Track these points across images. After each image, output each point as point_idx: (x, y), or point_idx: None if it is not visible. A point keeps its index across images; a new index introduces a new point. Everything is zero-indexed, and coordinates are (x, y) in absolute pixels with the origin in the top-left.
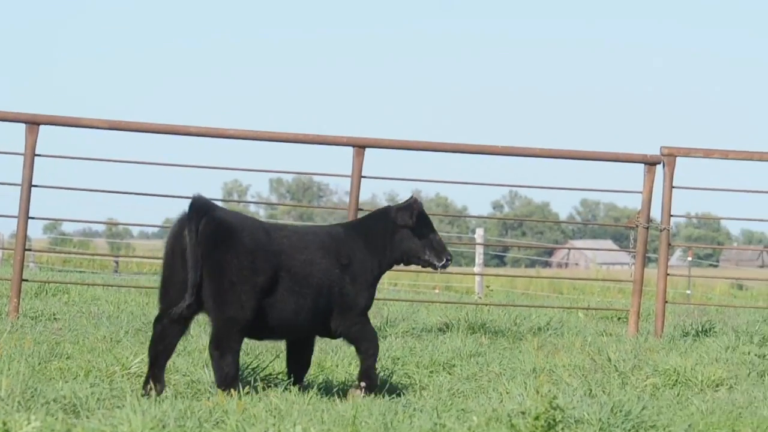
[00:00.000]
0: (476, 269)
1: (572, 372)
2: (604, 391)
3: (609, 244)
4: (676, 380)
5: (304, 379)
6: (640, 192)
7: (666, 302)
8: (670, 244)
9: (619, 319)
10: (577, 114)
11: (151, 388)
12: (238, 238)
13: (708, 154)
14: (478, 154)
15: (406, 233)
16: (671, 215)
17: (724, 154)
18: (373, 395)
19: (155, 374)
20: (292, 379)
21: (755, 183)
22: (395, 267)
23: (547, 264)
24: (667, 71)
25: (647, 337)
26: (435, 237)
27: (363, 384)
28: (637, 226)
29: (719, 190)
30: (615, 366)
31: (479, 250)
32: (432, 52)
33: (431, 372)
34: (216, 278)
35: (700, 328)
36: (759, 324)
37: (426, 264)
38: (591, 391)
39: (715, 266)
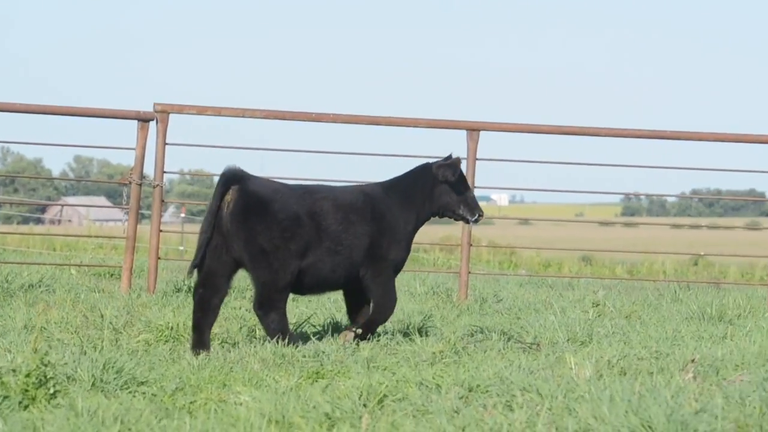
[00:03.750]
0: None
1: (65, 329)
2: (96, 348)
3: (103, 200)
4: (169, 336)
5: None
6: (134, 149)
7: (159, 259)
8: (163, 201)
9: (112, 275)
10: (75, 71)
11: (198, 352)
12: (269, 207)
13: (201, 111)
14: None
15: (444, 188)
16: (164, 172)
17: (217, 111)
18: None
19: (198, 339)
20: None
21: (251, 140)
22: None
23: (39, 221)
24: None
25: (140, 293)
26: (469, 193)
27: (359, 330)
28: (130, 182)
29: (212, 147)
30: (108, 323)
31: None
32: None
33: None
34: (249, 245)
35: (192, 284)
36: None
37: (459, 218)
38: (84, 348)
39: None
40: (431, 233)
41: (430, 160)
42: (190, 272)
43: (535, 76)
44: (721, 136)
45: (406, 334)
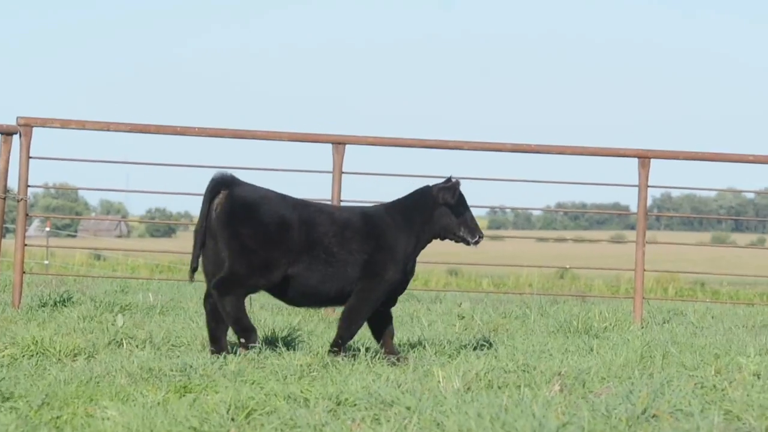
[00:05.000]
0: None
1: None
2: None
3: None
4: (35, 351)
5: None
6: None
7: (24, 273)
8: (27, 215)
9: None
10: None
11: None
12: (255, 212)
13: (65, 124)
14: None
15: (444, 211)
16: (29, 185)
17: (81, 125)
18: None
19: (217, 348)
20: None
21: (116, 153)
22: None
23: None
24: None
25: (5, 308)
26: (469, 215)
27: (335, 349)
28: None
29: (77, 161)
30: None
31: None
32: None
33: None
34: (231, 245)
35: (58, 299)
36: (117, 293)
37: (460, 240)
38: None
39: (74, 236)
40: None
41: (301, 174)
42: (191, 276)
43: (403, 89)
44: (583, 150)
45: (273, 348)
